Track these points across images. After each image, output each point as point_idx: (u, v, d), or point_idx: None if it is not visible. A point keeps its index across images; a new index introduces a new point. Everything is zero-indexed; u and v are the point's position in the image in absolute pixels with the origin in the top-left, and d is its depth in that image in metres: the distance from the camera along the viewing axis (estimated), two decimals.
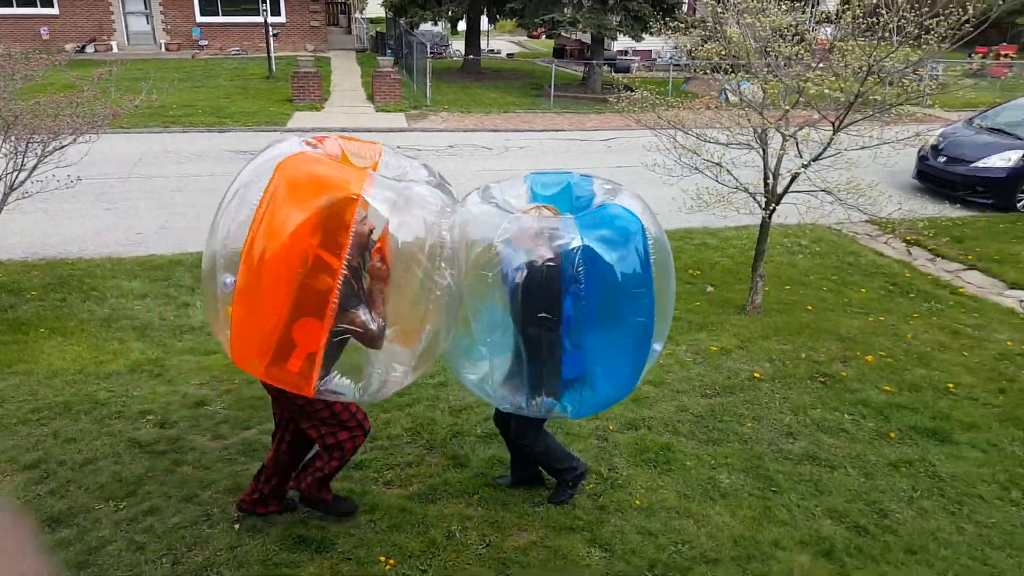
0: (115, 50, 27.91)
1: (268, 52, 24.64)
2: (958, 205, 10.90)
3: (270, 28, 25.03)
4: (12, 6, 27.55)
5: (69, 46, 26.10)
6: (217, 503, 4.32)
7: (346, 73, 26.22)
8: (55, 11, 28.00)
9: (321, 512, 4.16)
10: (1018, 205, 11.37)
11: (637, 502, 4.42)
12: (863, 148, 6.71)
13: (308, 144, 3.65)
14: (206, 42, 29.47)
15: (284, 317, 3.26)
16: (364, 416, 3.94)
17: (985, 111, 13.54)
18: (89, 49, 27.40)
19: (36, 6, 27.89)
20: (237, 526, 4.12)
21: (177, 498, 4.35)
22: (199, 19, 29.58)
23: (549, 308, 3.49)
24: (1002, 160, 11.40)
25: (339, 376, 3.52)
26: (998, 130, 12.27)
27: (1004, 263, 8.96)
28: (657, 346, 3.87)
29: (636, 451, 4.94)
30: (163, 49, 29.02)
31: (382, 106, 19.80)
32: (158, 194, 11.50)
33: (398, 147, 15.75)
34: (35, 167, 7.22)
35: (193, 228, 9.63)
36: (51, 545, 3.91)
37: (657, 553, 4.01)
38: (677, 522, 4.26)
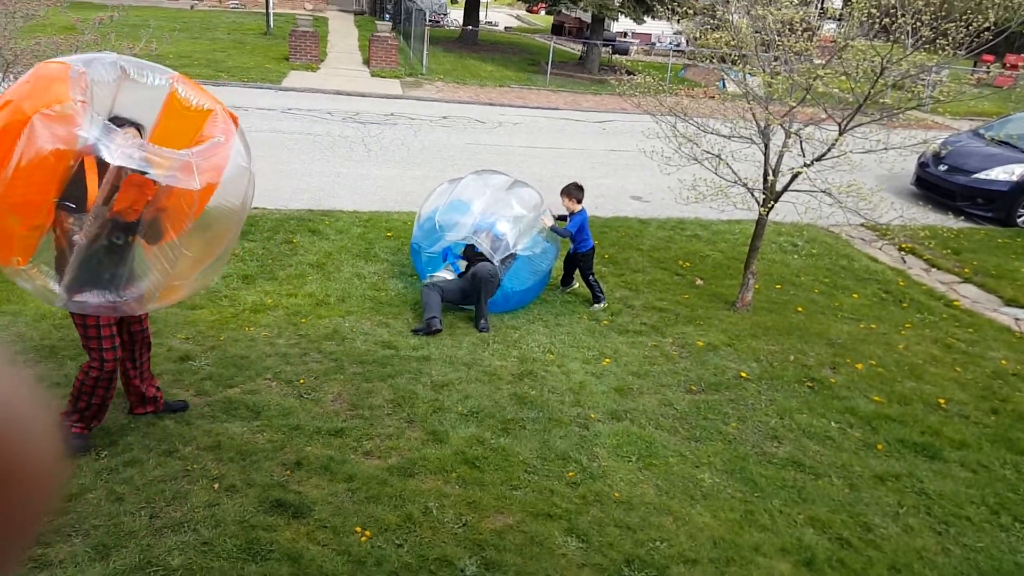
0: None
1: (267, 8, 24.24)
2: (960, 217, 10.68)
3: None
4: None
5: None
6: (197, 460, 4.25)
7: (343, 35, 25.82)
8: None
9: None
10: (1018, 220, 11.23)
11: (616, 495, 4.32)
12: (868, 152, 6.56)
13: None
14: None
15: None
16: (111, 348, 3.99)
17: (992, 122, 13.39)
18: None
19: None
20: (216, 485, 4.05)
21: (158, 452, 4.28)
22: None
23: None
24: (1005, 173, 11.23)
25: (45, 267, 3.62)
26: (1004, 142, 12.00)
27: (1001, 279, 8.83)
28: None
29: (618, 443, 4.84)
30: None
31: (378, 71, 19.47)
32: None
33: (391, 114, 15.38)
34: None
35: None
36: None
37: (635, 548, 3.92)
38: (656, 518, 4.16)
